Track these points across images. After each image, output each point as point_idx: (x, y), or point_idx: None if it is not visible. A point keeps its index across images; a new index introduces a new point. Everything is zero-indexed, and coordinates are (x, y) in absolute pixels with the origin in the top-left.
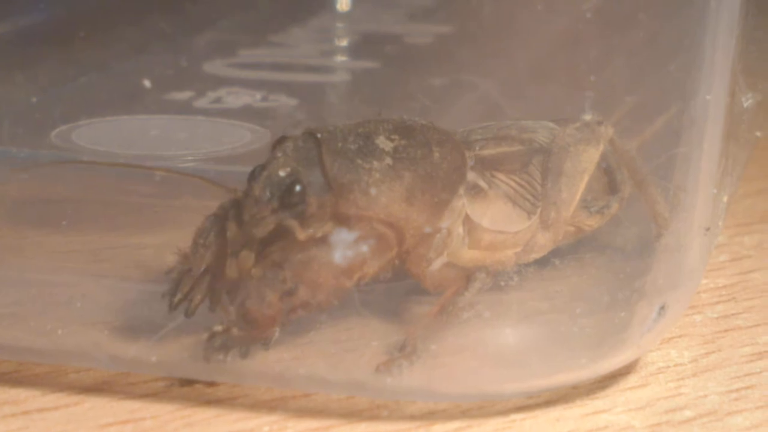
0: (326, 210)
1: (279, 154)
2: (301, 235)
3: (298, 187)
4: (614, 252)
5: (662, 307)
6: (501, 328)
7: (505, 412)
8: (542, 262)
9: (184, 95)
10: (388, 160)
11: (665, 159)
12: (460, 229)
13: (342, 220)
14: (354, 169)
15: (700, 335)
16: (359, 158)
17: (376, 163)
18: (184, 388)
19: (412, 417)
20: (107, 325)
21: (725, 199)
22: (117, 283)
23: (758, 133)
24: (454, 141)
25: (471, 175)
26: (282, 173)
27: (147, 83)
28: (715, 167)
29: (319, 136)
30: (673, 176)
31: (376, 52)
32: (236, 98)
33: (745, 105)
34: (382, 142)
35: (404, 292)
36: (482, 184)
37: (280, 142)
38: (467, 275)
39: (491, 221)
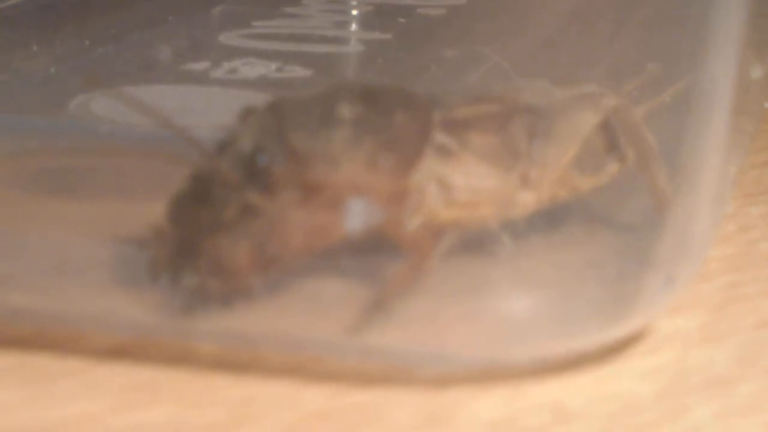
0: (292, 180)
1: (243, 129)
2: (268, 207)
3: (263, 161)
4: (623, 222)
5: (670, 276)
6: (512, 295)
7: (515, 377)
8: (551, 231)
9: (200, 66)
10: (349, 128)
11: (674, 131)
12: (436, 189)
13: (309, 188)
14: (315, 138)
15: (707, 304)
16: (320, 128)
17: (336, 132)
18: (202, 353)
19: (424, 382)
20: (125, 291)
21: (733, 170)
22: (134, 250)
23: (766, 105)
24: (418, 103)
25: (439, 136)
26: (247, 148)
27: (164, 54)
28: (723, 139)
29: (281, 107)
30: (682, 148)
31: (389, 24)
32: (252, 69)
33: (753, 77)
34: (344, 110)
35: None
36: (451, 144)
37: (245, 115)
38: (440, 234)
39: (463, 180)
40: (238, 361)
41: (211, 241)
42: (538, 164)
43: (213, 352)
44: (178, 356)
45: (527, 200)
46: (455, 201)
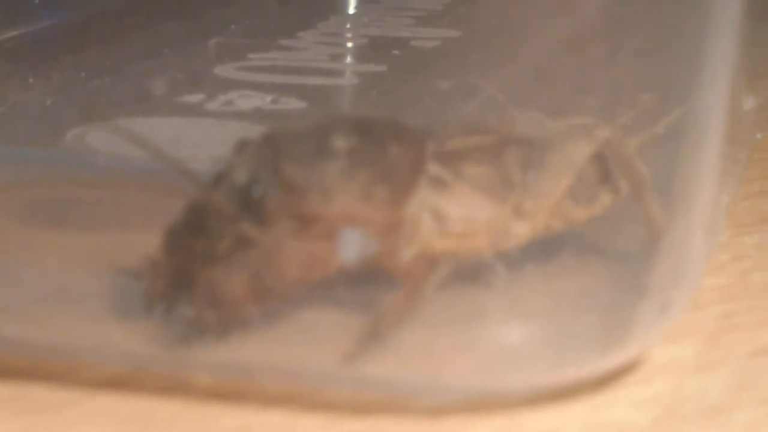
0: (287, 211)
1: (238, 161)
2: (264, 239)
3: (258, 193)
4: (617, 251)
5: (664, 305)
6: (507, 324)
7: (510, 406)
8: (546, 260)
9: (196, 98)
10: (344, 160)
11: (667, 160)
12: (430, 220)
13: (304, 220)
14: (310, 170)
15: (701, 333)
16: (315, 160)
17: (331, 164)
18: (197, 384)
19: (420, 411)
20: (121, 322)
21: (726, 199)
22: (130, 281)
23: (758, 135)
24: (412, 135)
25: (434, 168)
26: (242, 179)
27: (160, 86)
28: (716, 168)
29: (276, 139)
30: (675, 178)
31: (383, 56)
32: (247, 101)
33: (746, 107)
34: (338, 142)
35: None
36: (445, 175)
37: (240, 147)
38: (434, 265)
39: (458, 211)
40: (234, 391)
41: (206, 273)
42: (532, 195)
43: (208, 383)
44: (173, 386)
45: (521, 231)
46: (450, 232)
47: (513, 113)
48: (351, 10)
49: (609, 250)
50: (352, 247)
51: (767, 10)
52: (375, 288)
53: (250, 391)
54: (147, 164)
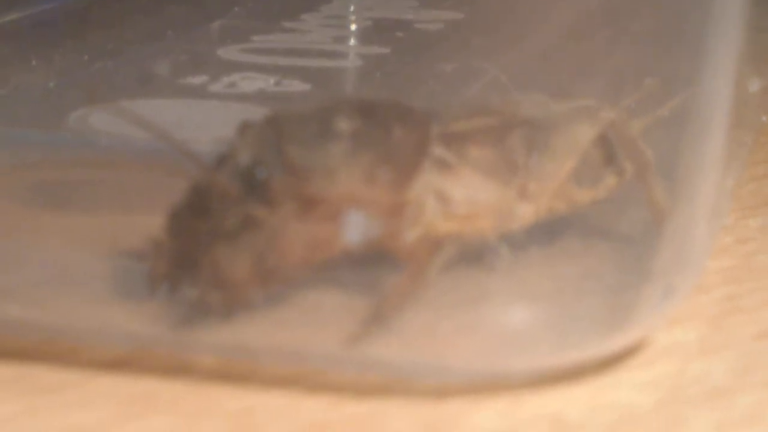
0: (291, 193)
1: (241, 142)
2: (267, 220)
3: (261, 174)
4: (621, 234)
5: (668, 288)
6: (510, 307)
7: (514, 388)
8: (549, 243)
9: (199, 80)
10: (347, 142)
11: (672, 144)
12: (434, 202)
13: (307, 201)
14: (313, 152)
15: (705, 315)
16: (318, 141)
17: (334, 146)
18: (201, 365)
19: (423, 393)
20: (124, 303)
21: (731, 182)
22: (133, 262)
23: (764, 118)
24: (416, 117)
25: (438, 150)
26: (245, 161)
27: (163, 68)
28: (721, 151)
29: (280, 121)
30: (680, 161)
31: (387, 38)
32: (250, 83)
33: (751, 90)
34: (342, 124)
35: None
36: (449, 157)
37: (243, 129)
38: (438, 247)
39: (462, 193)
40: (237, 373)
41: (210, 254)
42: (536, 177)
43: (212, 364)
44: (177, 368)
45: (525, 213)
46: (453, 214)
47: (517, 95)
48: None
49: (613, 233)
50: (355, 229)
51: None
52: (379, 270)
53: (254, 373)
54: (150, 146)
